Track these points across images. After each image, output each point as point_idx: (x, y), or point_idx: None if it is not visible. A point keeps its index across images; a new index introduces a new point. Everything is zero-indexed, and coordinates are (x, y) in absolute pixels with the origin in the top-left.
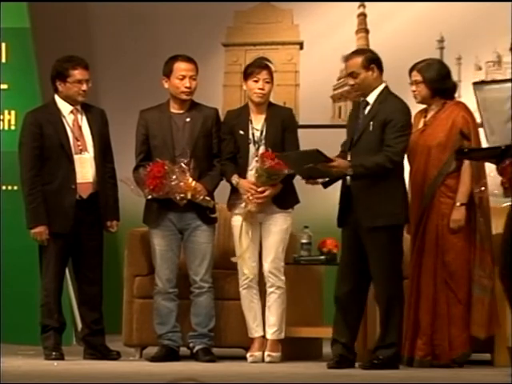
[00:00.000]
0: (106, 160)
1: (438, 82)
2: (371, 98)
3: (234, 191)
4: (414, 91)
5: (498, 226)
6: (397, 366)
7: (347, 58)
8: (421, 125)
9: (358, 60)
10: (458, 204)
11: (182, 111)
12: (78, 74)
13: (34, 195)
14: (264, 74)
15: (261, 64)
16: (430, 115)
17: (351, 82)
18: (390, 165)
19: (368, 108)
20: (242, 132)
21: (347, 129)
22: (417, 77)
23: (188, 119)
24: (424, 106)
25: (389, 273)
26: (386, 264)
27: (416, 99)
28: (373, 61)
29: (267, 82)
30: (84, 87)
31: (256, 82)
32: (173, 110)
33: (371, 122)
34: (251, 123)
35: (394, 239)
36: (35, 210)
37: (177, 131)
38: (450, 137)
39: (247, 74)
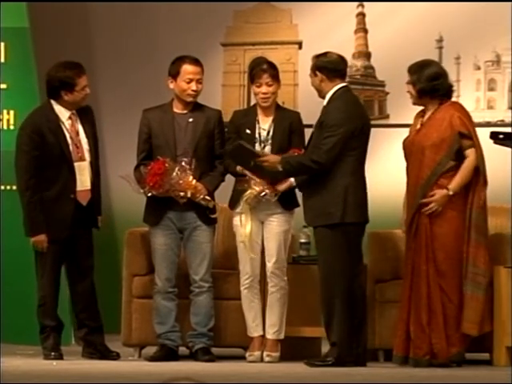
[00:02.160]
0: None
1: (424, 84)
2: (325, 102)
3: (238, 180)
4: (408, 91)
5: (497, 226)
6: (343, 364)
7: None
8: (418, 125)
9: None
10: (445, 190)
11: (185, 111)
12: (83, 80)
13: (34, 203)
14: (265, 78)
15: (262, 67)
16: (426, 116)
17: None
18: (313, 165)
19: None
20: (248, 131)
21: None
22: (408, 77)
23: (191, 119)
24: (423, 108)
25: (326, 272)
26: (321, 264)
27: (411, 99)
28: (318, 68)
29: (270, 85)
30: (88, 91)
31: (258, 86)
32: (176, 110)
33: (314, 124)
34: (258, 123)
35: (331, 238)
36: (35, 218)
37: (179, 131)
38: (444, 138)
39: (251, 76)
